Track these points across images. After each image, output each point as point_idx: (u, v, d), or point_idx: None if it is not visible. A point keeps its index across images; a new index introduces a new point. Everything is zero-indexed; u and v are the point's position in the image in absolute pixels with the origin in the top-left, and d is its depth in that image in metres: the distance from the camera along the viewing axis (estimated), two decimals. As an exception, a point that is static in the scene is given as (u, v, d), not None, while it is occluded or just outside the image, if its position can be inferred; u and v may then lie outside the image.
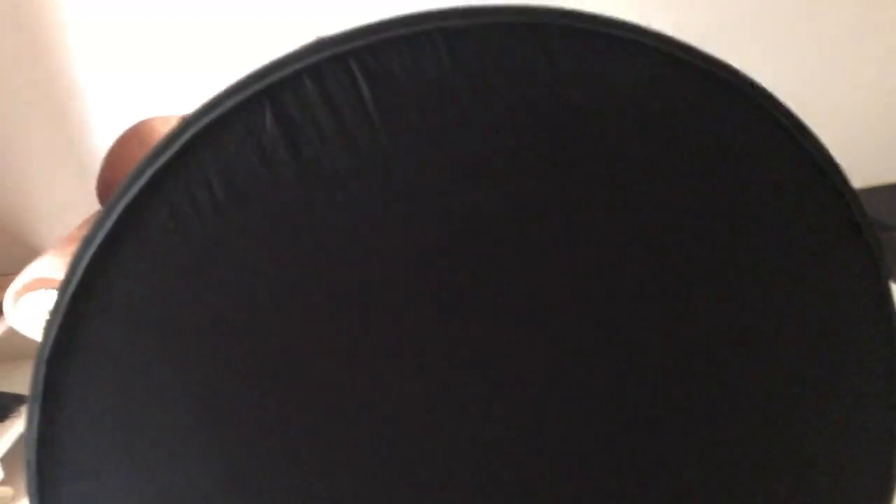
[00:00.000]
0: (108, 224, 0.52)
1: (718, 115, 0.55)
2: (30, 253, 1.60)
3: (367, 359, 0.57)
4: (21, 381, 2.23)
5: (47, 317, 0.54)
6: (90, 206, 1.07)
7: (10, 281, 0.97)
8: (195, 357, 0.56)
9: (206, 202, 0.53)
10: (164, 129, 0.57)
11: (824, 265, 0.60)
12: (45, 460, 0.55)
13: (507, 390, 0.58)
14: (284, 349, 0.56)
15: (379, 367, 0.57)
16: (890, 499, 0.66)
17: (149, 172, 0.52)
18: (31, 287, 0.96)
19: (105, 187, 1.11)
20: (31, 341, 0.88)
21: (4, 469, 1.95)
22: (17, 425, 2.03)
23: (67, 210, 2.25)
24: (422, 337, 0.57)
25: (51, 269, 0.94)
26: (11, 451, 1.96)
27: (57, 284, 0.55)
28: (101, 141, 2.21)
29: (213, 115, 0.52)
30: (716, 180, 0.57)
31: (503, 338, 0.58)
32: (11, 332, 1.20)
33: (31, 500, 0.57)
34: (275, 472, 0.58)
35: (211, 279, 0.55)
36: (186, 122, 0.52)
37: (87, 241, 0.53)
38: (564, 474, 0.60)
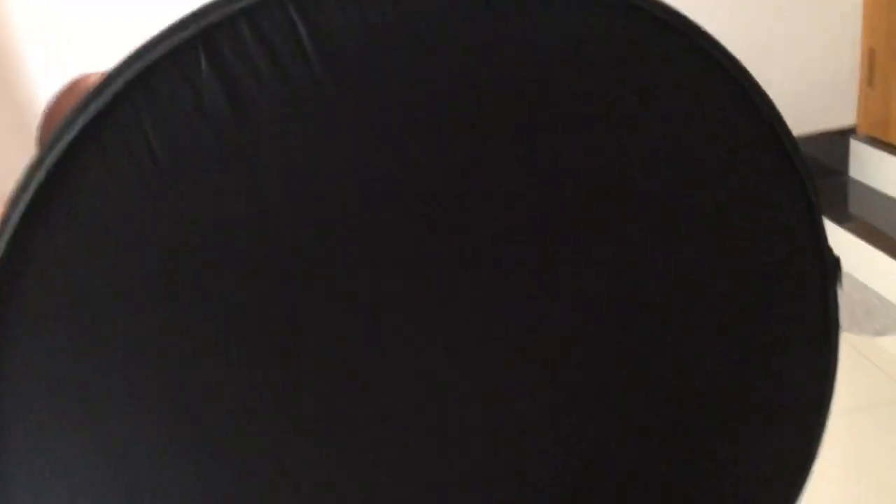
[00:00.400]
0: (39, 179, 0.51)
1: (648, 51, 0.56)
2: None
3: (309, 308, 0.57)
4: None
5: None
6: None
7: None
8: (135, 318, 0.55)
9: (141, 151, 0.52)
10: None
11: (756, 198, 0.62)
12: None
13: (446, 339, 0.59)
14: (227, 303, 0.56)
15: (318, 315, 0.57)
16: (822, 434, 0.69)
17: (80, 123, 0.51)
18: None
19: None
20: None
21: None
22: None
23: (6, 171, 2.17)
24: (358, 290, 0.57)
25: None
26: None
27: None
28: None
29: (145, 61, 0.51)
30: (650, 118, 0.57)
31: (443, 287, 0.58)
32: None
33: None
34: (233, 429, 0.58)
35: (148, 233, 0.54)
36: (118, 69, 0.51)
37: (14, 200, 0.52)
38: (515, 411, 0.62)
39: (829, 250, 0.63)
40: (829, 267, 0.63)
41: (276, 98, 0.52)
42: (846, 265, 0.65)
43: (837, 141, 2.12)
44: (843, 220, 1.83)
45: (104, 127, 0.51)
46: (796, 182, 0.61)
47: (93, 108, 0.51)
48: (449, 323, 0.59)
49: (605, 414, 0.64)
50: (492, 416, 0.62)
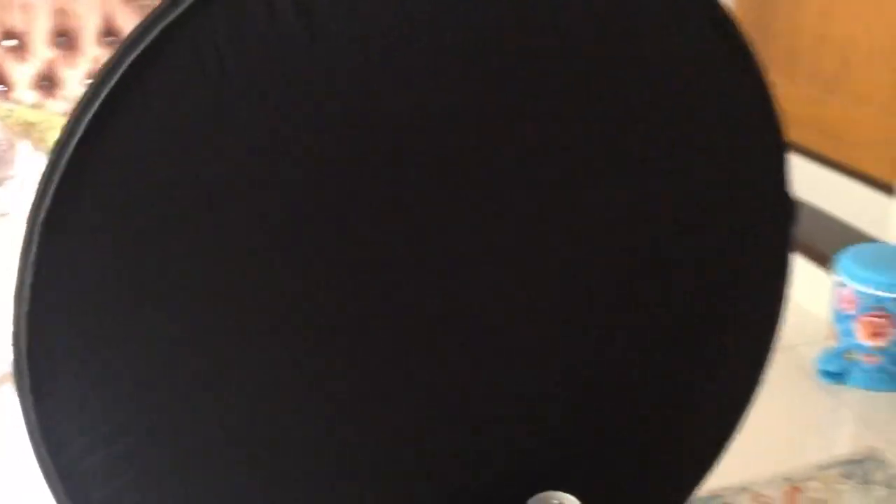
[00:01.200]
0: (112, 80, 0.52)
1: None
2: None
3: (359, 218, 0.60)
4: None
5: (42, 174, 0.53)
6: None
7: None
8: (194, 227, 0.57)
9: (212, 63, 0.54)
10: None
11: (735, 146, 0.71)
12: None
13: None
14: (278, 212, 0.59)
15: (364, 227, 0.61)
16: (771, 353, 0.79)
17: (157, 28, 0.52)
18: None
19: None
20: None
21: None
22: None
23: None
24: (398, 207, 0.62)
25: None
26: None
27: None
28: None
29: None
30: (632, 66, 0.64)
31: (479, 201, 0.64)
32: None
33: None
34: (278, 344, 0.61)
35: (210, 143, 0.56)
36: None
37: (86, 102, 0.52)
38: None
39: (790, 194, 0.73)
40: (791, 208, 0.73)
41: (347, 18, 0.55)
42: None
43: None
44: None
45: (179, 36, 0.53)
46: (771, 131, 0.70)
47: (170, 16, 0.52)
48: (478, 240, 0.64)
49: (595, 329, 0.72)
50: (499, 329, 0.68)
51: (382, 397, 0.66)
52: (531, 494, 0.62)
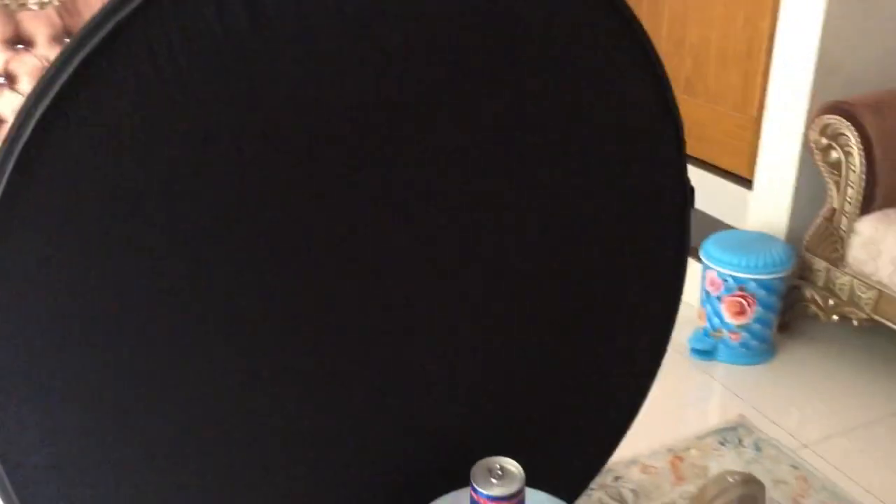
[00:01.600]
0: (66, 74, 0.52)
1: None
2: None
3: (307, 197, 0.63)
4: None
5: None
6: None
7: None
8: (147, 215, 0.57)
9: (164, 57, 0.55)
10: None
11: (637, 136, 0.77)
12: None
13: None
14: (237, 198, 0.60)
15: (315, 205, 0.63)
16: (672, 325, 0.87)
17: (110, 24, 0.52)
18: None
19: None
20: None
21: None
22: None
23: None
24: (347, 185, 0.64)
25: None
26: None
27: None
28: None
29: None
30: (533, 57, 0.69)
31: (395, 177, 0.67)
32: None
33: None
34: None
35: (163, 135, 0.56)
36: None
37: (40, 91, 0.52)
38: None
39: (688, 179, 0.81)
40: (688, 192, 0.81)
41: (290, 11, 0.57)
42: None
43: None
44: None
45: (131, 31, 0.53)
46: (670, 124, 0.77)
47: (123, 11, 0.52)
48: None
49: (517, 318, 0.77)
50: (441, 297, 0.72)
51: (326, 381, 0.68)
52: (475, 461, 0.67)
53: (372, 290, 0.69)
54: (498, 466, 0.66)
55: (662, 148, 0.79)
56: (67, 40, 1.97)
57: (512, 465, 0.67)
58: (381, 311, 0.70)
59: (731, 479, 1.01)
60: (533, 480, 0.71)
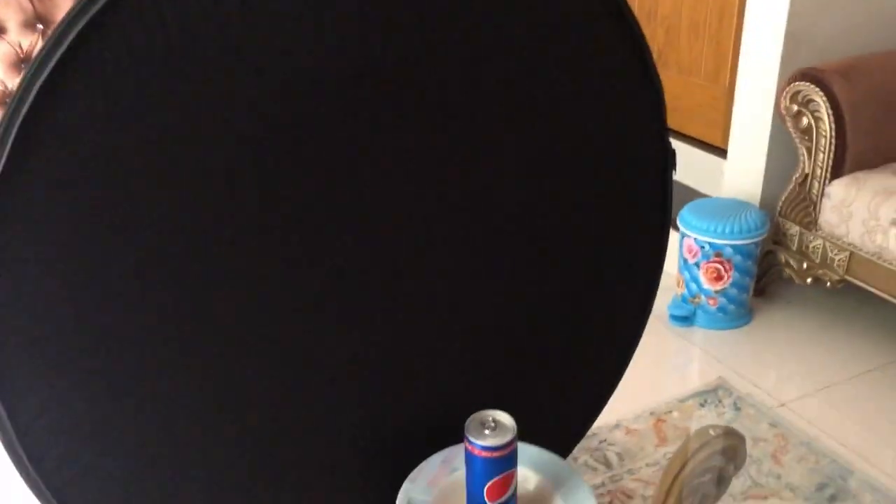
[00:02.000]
0: (60, 49, 0.53)
1: None
2: None
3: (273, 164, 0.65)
4: None
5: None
6: None
7: None
8: (141, 181, 0.59)
9: (156, 30, 0.56)
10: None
11: (618, 102, 0.80)
12: None
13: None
14: (225, 164, 0.62)
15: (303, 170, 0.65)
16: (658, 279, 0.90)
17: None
18: None
19: None
20: None
21: None
22: None
23: None
24: (330, 154, 0.66)
25: None
26: None
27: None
28: None
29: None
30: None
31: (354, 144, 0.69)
32: None
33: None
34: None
35: (155, 106, 0.58)
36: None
37: (37, 67, 0.53)
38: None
39: (670, 143, 0.84)
40: (669, 154, 0.84)
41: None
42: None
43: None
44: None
45: (124, 4, 0.55)
46: (651, 90, 0.80)
47: (117, -14, 0.54)
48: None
49: (510, 256, 0.80)
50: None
51: (342, 329, 0.70)
52: (469, 415, 0.69)
53: (369, 239, 0.71)
54: (491, 419, 0.69)
55: (643, 112, 0.81)
56: (40, 26, 1.96)
57: (504, 417, 0.69)
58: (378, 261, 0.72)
59: (712, 433, 1.05)
60: (526, 436, 0.74)
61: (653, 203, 0.85)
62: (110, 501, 0.65)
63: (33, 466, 0.61)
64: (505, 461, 0.68)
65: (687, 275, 1.94)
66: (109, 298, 0.60)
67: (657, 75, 0.79)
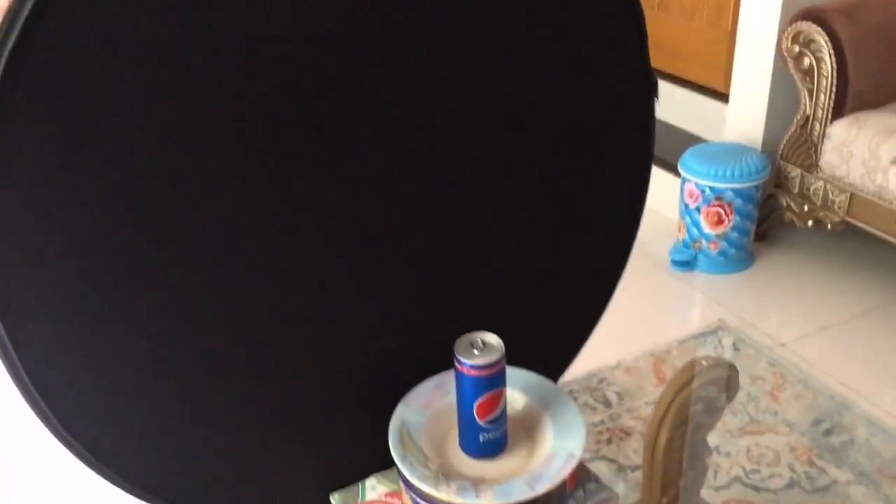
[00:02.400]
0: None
1: None
2: None
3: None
4: None
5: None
6: None
7: None
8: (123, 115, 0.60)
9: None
10: None
11: (605, 35, 0.80)
12: None
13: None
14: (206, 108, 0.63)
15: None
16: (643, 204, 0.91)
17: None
18: None
19: None
20: None
21: None
22: None
23: None
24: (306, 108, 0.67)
25: None
26: None
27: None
28: None
29: None
30: None
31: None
32: None
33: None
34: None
35: (139, 43, 0.59)
36: None
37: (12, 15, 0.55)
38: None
39: (652, 72, 0.85)
40: (652, 83, 0.84)
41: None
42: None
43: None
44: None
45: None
46: (633, 20, 0.80)
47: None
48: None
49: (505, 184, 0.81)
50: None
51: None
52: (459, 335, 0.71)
53: (357, 171, 0.73)
54: (479, 340, 0.71)
55: (625, 41, 0.82)
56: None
57: (492, 338, 0.71)
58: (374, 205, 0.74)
59: (704, 363, 1.07)
60: (516, 361, 0.76)
61: (637, 131, 0.86)
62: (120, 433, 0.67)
63: (39, 394, 0.64)
64: (493, 379, 0.70)
65: (688, 219, 1.95)
66: (99, 219, 0.62)
67: (639, 5, 0.79)
